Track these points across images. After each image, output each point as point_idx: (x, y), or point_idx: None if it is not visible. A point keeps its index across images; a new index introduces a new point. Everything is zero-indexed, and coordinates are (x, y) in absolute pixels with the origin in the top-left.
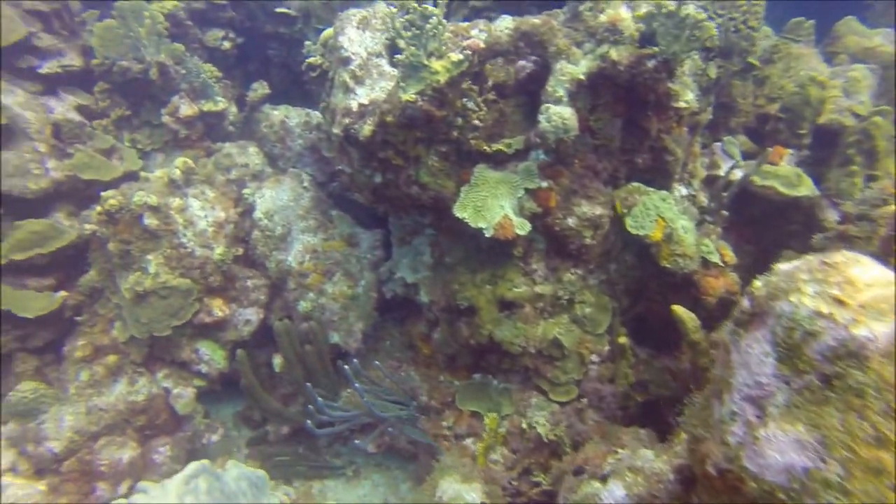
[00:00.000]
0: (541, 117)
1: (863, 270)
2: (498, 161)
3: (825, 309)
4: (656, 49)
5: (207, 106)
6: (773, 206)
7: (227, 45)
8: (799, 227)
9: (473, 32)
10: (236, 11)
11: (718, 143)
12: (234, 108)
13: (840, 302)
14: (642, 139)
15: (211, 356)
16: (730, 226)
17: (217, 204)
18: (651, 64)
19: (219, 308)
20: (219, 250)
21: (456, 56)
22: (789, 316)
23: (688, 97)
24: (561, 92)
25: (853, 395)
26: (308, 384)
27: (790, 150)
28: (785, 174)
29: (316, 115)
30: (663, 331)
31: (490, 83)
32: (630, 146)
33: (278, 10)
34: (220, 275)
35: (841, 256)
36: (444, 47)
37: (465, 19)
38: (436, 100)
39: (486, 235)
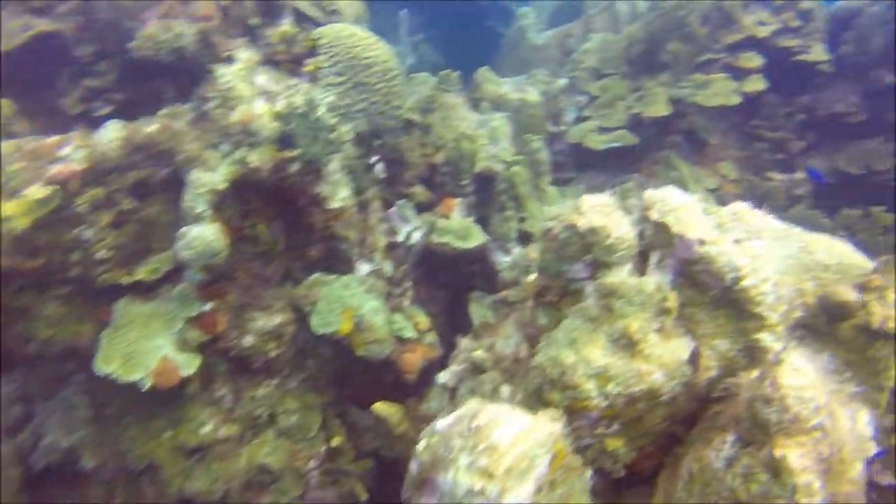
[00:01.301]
0: (179, 245)
1: (503, 431)
2: (146, 288)
3: (477, 484)
4: (297, 152)
5: None
6: (453, 257)
7: None
8: (478, 268)
9: (64, 152)
10: None
11: (393, 209)
12: None
13: (488, 474)
14: (310, 233)
15: None
16: (420, 279)
17: None
18: (295, 167)
19: None
20: None
21: (39, 191)
22: (450, 495)
23: (341, 195)
24: (201, 207)
25: None
26: None
27: (458, 199)
28: (456, 228)
29: None
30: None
31: (128, 183)
32: (299, 242)
33: None
34: None
35: (486, 415)
36: (15, 181)
37: (81, 102)
38: (22, 250)
39: (144, 388)
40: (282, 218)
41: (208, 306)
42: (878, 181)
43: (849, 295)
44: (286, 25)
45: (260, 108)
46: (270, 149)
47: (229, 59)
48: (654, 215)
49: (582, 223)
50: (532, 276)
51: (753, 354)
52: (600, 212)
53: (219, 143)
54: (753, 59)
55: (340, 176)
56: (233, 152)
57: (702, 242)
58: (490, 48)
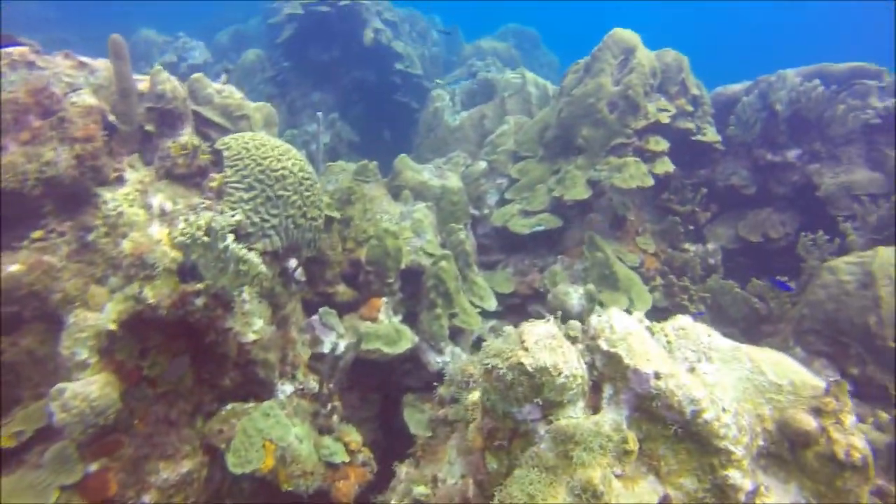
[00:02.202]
0: (53, 405)
1: None
2: (8, 455)
3: None
4: (202, 285)
5: None
6: (384, 362)
7: None
8: (409, 367)
9: None
10: None
11: (315, 318)
12: None
13: None
14: (222, 362)
15: None
16: (350, 384)
17: None
18: (200, 301)
19: None
20: None
21: None
22: None
23: (256, 327)
24: (84, 353)
25: None
26: None
27: (385, 299)
28: (385, 332)
29: None
30: None
31: None
32: (210, 373)
33: None
34: None
35: None
36: None
37: None
38: None
39: None
40: (188, 351)
41: (95, 466)
42: (773, 248)
43: (808, 423)
44: (187, 135)
45: (157, 234)
46: (170, 281)
47: (119, 181)
48: (603, 345)
49: (529, 362)
50: (474, 395)
51: (724, 494)
52: (546, 346)
53: (106, 276)
54: (661, 143)
55: (254, 305)
56: (124, 287)
57: (657, 376)
58: (404, 123)
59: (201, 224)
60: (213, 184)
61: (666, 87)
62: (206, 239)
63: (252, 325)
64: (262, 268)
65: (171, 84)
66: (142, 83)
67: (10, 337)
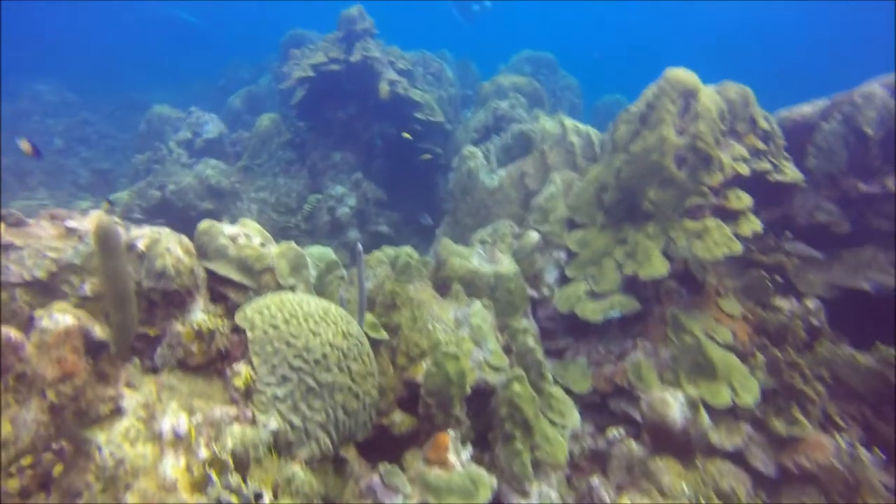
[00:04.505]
0: None
1: None
2: None
3: None
4: None
5: None
6: None
7: None
8: None
9: None
10: None
11: (376, 480)
12: None
13: None
14: None
15: None
16: None
17: None
18: None
19: None
20: None
21: None
22: None
23: None
24: None
25: None
26: None
27: (451, 433)
28: (460, 484)
29: None
30: None
31: None
32: None
33: None
34: None
35: None
36: None
37: None
38: None
39: None
40: None
41: None
42: (884, 296)
43: None
44: (200, 315)
45: (171, 471)
46: None
47: (116, 412)
48: None
49: None
50: None
51: None
52: None
53: None
54: (742, 198)
55: None
56: None
57: None
58: (430, 172)
59: (228, 460)
60: (239, 382)
61: (734, 126)
62: (235, 501)
63: None
64: None
65: (171, 257)
66: (141, 240)
67: None
